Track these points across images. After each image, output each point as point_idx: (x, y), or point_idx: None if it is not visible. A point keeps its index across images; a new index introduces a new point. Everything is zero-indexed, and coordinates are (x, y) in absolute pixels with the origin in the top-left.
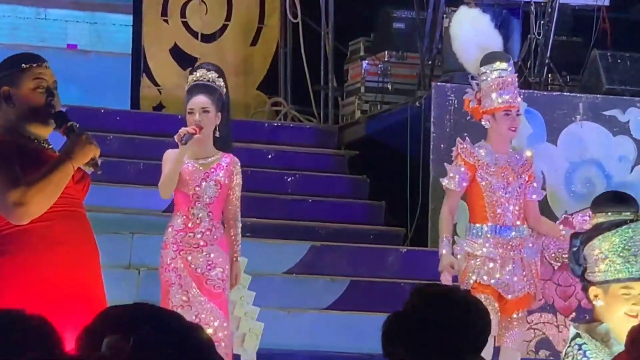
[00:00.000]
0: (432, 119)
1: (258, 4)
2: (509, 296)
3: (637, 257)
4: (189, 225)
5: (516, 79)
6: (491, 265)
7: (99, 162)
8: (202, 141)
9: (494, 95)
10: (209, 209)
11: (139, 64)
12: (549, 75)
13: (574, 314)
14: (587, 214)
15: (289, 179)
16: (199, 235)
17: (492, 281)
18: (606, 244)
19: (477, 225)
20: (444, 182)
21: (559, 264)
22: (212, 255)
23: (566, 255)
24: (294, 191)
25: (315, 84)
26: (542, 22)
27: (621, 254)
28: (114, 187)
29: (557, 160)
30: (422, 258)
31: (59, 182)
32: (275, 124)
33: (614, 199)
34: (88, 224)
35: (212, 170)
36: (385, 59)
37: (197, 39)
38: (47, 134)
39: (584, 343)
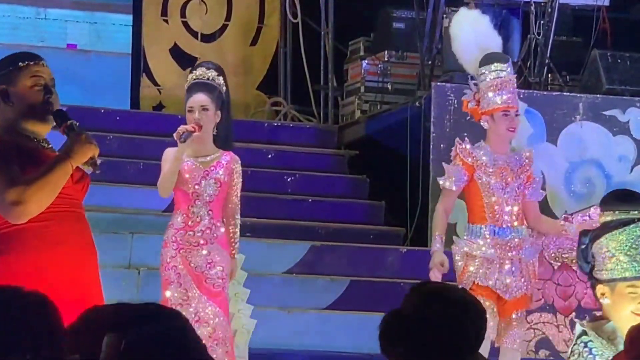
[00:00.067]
0: (432, 119)
1: (258, 3)
2: (507, 297)
3: None
4: (189, 223)
5: (515, 80)
6: (489, 266)
7: (98, 161)
8: (201, 139)
9: (492, 96)
10: (209, 207)
11: (138, 64)
12: (549, 75)
13: (573, 313)
14: (587, 214)
15: (289, 179)
16: (199, 234)
17: (490, 282)
18: (613, 243)
19: (476, 225)
20: (441, 181)
21: (559, 264)
22: (212, 253)
23: (566, 255)
24: (294, 191)
25: (315, 84)
26: (542, 22)
27: (628, 253)
28: (114, 187)
29: (557, 160)
30: (422, 258)
31: (57, 181)
32: (275, 124)
33: (622, 198)
34: (86, 224)
35: (212, 168)
36: (385, 59)
37: (197, 38)
38: (46, 132)
39: (590, 341)
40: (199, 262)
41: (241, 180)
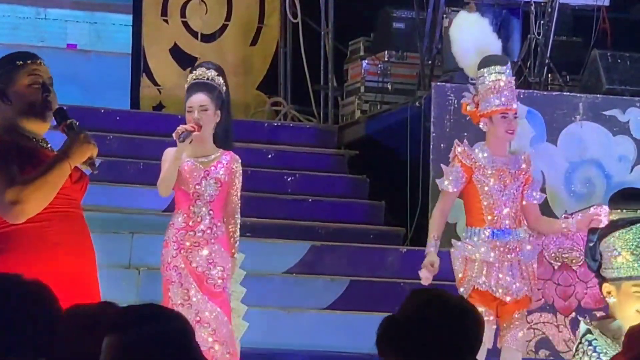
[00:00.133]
0: (432, 119)
1: (258, 3)
2: (508, 299)
3: None
4: (190, 223)
5: (514, 82)
6: (489, 269)
7: (97, 162)
8: (201, 139)
9: (491, 98)
10: (209, 207)
11: (138, 64)
12: (549, 75)
13: (573, 313)
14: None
15: (289, 179)
16: (199, 234)
17: (490, 286)
18: (620, 241)
19: (474, 228)
20: (440, 183)
21: (559, 264)
22: (212, 254)
23: (566, 255)
24: (294, 191)
25: (315, 84)
26: (542, 22)
27: (634, 252)
28: (114, 187)
29: (557, 160)
30: (422, 258)
31: (55, 180)
32: (275, 124)
33: (630, 197)
34: (85, 224)
35: (213, 168)
36: (385, 59)
37: (197, 38)
38: (44, 131)
39: (595, 339)
40: (200, 262)
41: (241, 180)
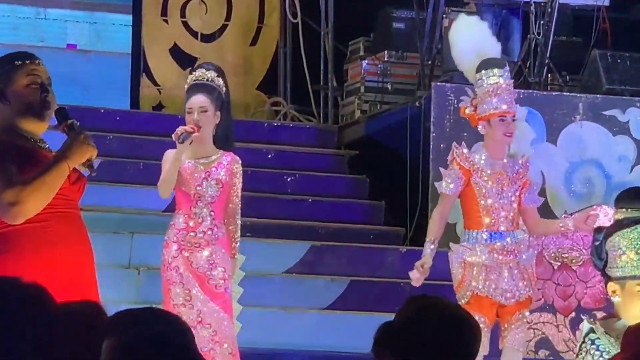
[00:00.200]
0: (431, 119)
1: (258, 3)
2: (511, 301)
3: None
4: (191, 224)
5: (512, 85)
6: (488, 273)
7: (95, 164)
8: (201, 140)
9: (489, 101)
10: (211, 208)
11: (138, 64)
12: (549, 75)
13: (573, 313)
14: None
15: (288, 179)
16: (200, 235)
17: (490, 291)
18: (624, 240)
19: (472, 231)
20: (439, 186)
21: (559, 264)
22: (213, 255)
23: (566, 255)
24: (293, 191)
25: (315, 84)
26: (542, 22)
27: (639, 251)
28: (113, 187)
29: (557, 160)
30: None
31: (54, 181)
32: (275, 124)
33: (635, 196)
34: (83, 224)
35: (213, 169)
36: (385, 59)
37: (197, 38)
38: (43, 130)
39: (597, 338)
40: (201, 263)
41: (242, 180)
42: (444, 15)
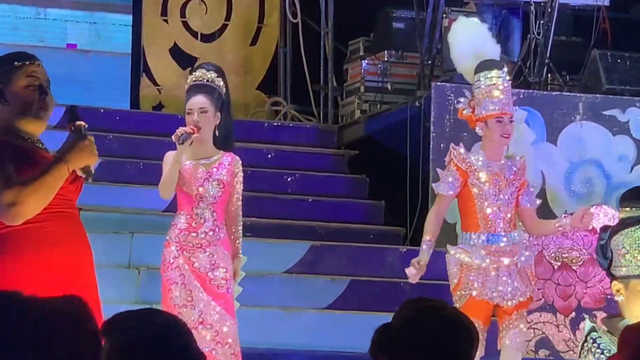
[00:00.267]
0: (431, 119)
1: (258, 3)
2: (509, 303)
3: None
4: (193, 225)
5: (510, 87)
6: (486, 276)
7: (93, 171)
8: (202, 141)
9: (486, 103)
10: (212, 208)
11: (138, 64)
12: (549, 75)
13: (573, 313)
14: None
15: (288, 179)
16: (202, 235)
17: (487, 295)
18: (629, 239)
19: (469, 233)
20: (436, 186)
21: (559, 264)
22: (215, 255)
23: (566, 255)
24: (293, 191)
25: (314, 84)
26: (542, 22)
27: None
28: (113, 187)
29: (557, 160)
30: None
31: (53, 184)
32: (275, 124)
33: (639, 195)
34: (81, 224)
35: (214, 169)
36: (385, 59)
37: (197, 38)
38: (41, 131)
39: (599, 337)
40: (202, 264)
41: (242, 180)
42: (444, 15)
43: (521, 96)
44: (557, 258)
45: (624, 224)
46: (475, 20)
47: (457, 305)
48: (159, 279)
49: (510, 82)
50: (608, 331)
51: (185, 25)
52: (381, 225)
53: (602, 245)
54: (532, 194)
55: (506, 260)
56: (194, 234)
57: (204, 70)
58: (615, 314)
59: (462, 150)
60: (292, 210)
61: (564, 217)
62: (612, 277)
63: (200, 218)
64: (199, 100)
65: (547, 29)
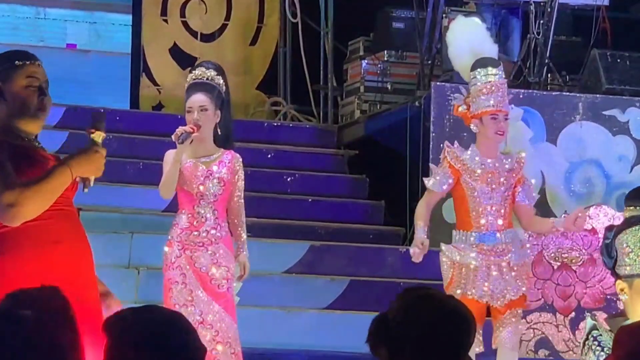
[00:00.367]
0: (431, 119)
1: (257, 3)
2: (498, 304)
3: None
4: (194, 223)
5: (506, 85)
6: (476, 275)
7: (91, 183)
8: (202, 139)
9: (481, 100)
10: (213, 207)
11: (138, 64)
12: (549, 75)
13: (573, 313)
14: (587, 214)
15: (288, 179)
16: (204, 234)
17: (477, 294)
18: (633, 238)
19: (462, 232)
20: (427, 181)
21: (559, 264)
22: (216, 254)
23: (566, 255)
24: (293, 191)
25: (314, 84)
26: (541, 21)
27: None
28: (113, 187)
29: (557, 160)
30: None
31: (55, 187)
32: (275, 124)
33: None
34: (79, 222)
35: (215, 167)
36: (385, 59)
37: (197, 38)
38: (38, 130)
39: (600, 335)
40: (204, 263)
41: (243, 177)
42: (444, 15)
43: (521, 96)
44: (557, 258)
45: (628, 222)
46: (474, 19)
47: None
48: (159, 279)
49: (506, 80)
50: (610, 330)
51: (185, 25)
52: (381, 225)
53: (607, 244)
54: (530, 190)
55: (497, 259)
56: (195, 233)
57: (203, 69)
58: (618, 313)
59: (456, 148)
60: (292, 210)
61: (564, 216)
62: (617, 276)
63: (202, 217)
64: (199, 99)
65: (546, 28)
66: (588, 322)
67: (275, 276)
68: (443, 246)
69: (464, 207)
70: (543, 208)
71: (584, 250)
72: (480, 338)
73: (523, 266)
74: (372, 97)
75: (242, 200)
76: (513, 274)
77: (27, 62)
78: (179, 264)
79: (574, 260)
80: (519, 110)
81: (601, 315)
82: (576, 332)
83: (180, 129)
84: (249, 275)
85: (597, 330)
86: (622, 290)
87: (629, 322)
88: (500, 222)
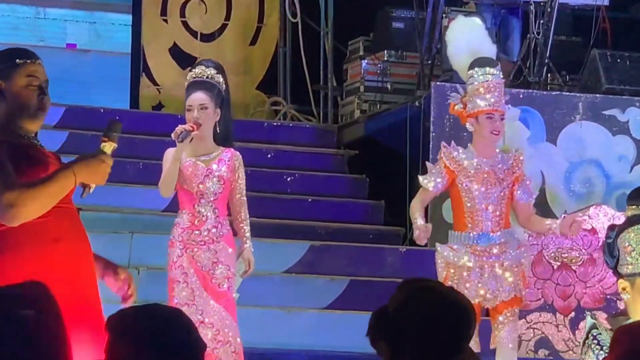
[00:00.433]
0: (431, 119)
1: (257, 3)
2: (489, 304)
3: None
4: (195, 222)
5: (502, 85)
6: (469, 275)
7: (91, 190)
8: (202, 138)
9: (478, 99)
10: (214, 205)
11: (138, 64)
12: (549, 74)
13: (573, 313)
14: (587, 214)
15: (288, 179)
16: (205, 233)
17: (471, 294)
18: (635, 237)
19: (457, 232)
20: (421, 179)
21: (559, 264)
22: (217, 252)
23: (565, 255)
24: (293, 191)
25: (314, 84)
26: (541, 21)
27: None
28: (113, 187)
29: (557, 159)
30: (422, 258)
31: (57, 192)
32: (275, 124)
33: None
34: (79, 220)
35: (214, 166)
36: (385, 59)
37: (197, 38)
38: (37, 129)
39: (599, 333)
40: (205, 262)
41: (244, 174)
42: (444, 15)
43: (521, 96)
44: (557, 258)
45: (630, 221)
46: (474, 19)
47: None
48: (159, 279)
49: (503, 80)
50: (611, 329)
51: (185, 25)
52: (381, 225)
53: (609, 243)
54: (528, 188)
55: (492, 260)
56: (196, 232)
57: (203, 67)
58: (619, 313)
59: (452, 148)
60: (292, 210)
61: (563, 216)
62: (619, 276)
63: (203, 216)
64: (199, 97)
65: (546, 28)
66: (588, 321)
67: (275, 276)
68: (438, 246)
69: (459, 208)
70: (543, 208)
71: (583, 250)
72: (477, 339)
73: (518, 267)
74: (372, 97)
75: (245, 197)
76: (508, 274)
77: (28, 61)
78: (181, 263)
79: (573, 260)
80: (516, 111)
81: (601, 315)
82: (576, 331)
83: (179, 128)
84: (249, 275)
85: (597, 329)
86: (624, 289)
87: (630, 321)
88: (496, 222)
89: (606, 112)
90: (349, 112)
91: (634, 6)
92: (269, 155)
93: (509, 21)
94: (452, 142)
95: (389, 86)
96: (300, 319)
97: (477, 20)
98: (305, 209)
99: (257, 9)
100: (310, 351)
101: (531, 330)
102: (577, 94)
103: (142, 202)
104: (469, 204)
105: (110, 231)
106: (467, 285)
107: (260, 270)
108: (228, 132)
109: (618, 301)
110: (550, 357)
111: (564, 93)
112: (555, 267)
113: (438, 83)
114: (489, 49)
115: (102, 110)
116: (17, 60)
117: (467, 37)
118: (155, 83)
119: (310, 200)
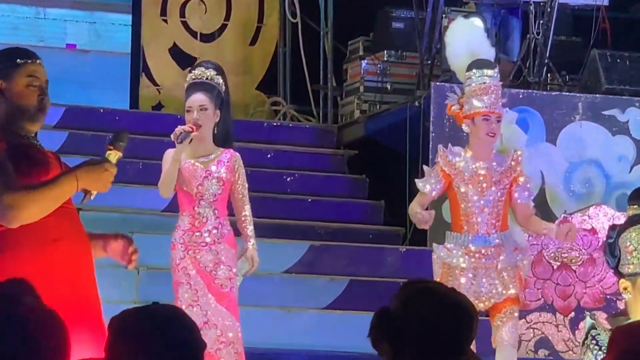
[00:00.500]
0: (431, 119)
1: (257, 3)
2: (481, 305)
3: None
4: (196, 224)
5: (500, 87)
6: (463, 277)
7: (92, 197)
8: (201, 139)
9: (475, 100)
10: (214, 206)
11: (138, 64)
12: (549, 75)
13: (573, 313)
14: (587, 214)
15: (288, 179)
16: (205, 234)
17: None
18: (636, 237)
19: (454, 234)
20: (418, 183)
21: (558, 264)
22: (219, 253)
23: (565, 255)
24: (293, 191)
25: (314, 84)
26: (541, 21)
27: None
28: (113, 187)
29: (557, 160)
30: (422, 258)
31: (58, 196)
32: (275, 124)
33: None
34: (79, 220)
35: (213, 167)
36: (385, 59)
37: (197, 38)
38: (37, 129)
39: (598, 334)
40: (207, 262)
41: (244, 174)
42: (444, 15)
43: (520, 96)
44: (557, 258)
45: (632, 221)
46: (474, 20)
47: None
48: (159, 279)
49: (501, 82)
50: (610, 329)
51: (185, 25)
52: (381, 225)
53: (610, 243)
54: (527, 188)
55: (486, 262)
56: (197, 234)
57: (202, 69)
58: (619, 313)
59: (449, 151)
60: (292, 210)
61: (564, 216)
62: (620, 275)
63: (203, 217)
64: (199, 98)
65: (546, 28)
66: (587, 321)
67: (275, 276)
68: (435, 246)
69: (456, 210)
70: (543, 208)
71: (583, 250)
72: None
73: (514, 269)
74: (372, 97)
75: (247, 197)
76: (504, 275)
77: (29, 61)
78: (183, 265)
79: (573, 260)
80: (513, 114)
81: (601, 315)
82: (576, 331)
83: (179, 129)
84: (250, 275)
85: (596, 329)
86: (625, 289)
87: (630, 321)
88: (492, 224)
89: (606, 112)
90: (348, 112)
91: (634, 6)
92: (269, 155)
93: (508, 21)
94: (449, 144)
95: (388, 86)
96: (300, 319)
97: (476, 22)
98: (305, 209)
99: (257, 9)
100: (310, 351)
101: (531, 330)
102: (577, 94)
103: (142, 202)
104: (464, 207)
105: (110, 231)
106: (460, 286)
107: (260, 270)
108: (228, 133)
109: (618, 301)
110: (550, 357)
111: (564, 93)
112: (555, 267)
113: (438, 83)
114: (488, 51)
115: (102, 111)
116: (18, 60)
117: (466, 38)
118: (155, 83)
119: (310, 200)
